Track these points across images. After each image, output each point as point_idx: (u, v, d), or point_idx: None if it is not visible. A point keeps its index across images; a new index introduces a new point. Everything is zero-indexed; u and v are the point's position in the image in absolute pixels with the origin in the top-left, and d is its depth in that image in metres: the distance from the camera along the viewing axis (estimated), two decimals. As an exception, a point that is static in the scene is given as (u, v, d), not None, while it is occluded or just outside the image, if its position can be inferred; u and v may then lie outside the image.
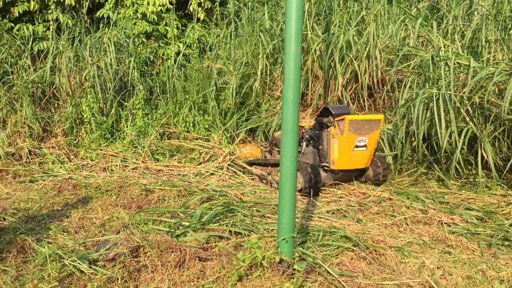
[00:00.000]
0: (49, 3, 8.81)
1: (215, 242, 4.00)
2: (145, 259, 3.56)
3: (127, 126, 7.50)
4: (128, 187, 5.79)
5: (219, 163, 6.57)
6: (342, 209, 4.97)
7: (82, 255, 3.59)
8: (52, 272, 3.37)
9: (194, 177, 6.23)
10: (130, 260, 3.52)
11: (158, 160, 6.81)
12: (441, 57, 5.88)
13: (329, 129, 5.66)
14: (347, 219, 4.71)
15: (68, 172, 6.59)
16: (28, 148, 6.96)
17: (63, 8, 8.95)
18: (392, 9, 8.24)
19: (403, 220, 4.70)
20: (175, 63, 9.02)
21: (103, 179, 6.23)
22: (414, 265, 3.57)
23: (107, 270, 3.42)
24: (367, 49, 6.96)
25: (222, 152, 6.62)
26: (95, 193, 5.67)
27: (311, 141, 6.01)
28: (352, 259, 3.63)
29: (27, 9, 8.70)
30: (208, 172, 6.37)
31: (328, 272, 3.22)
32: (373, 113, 7.20)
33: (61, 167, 6.77)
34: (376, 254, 3.75)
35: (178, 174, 6.34)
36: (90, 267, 3.44)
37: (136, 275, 3.39)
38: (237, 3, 10.30)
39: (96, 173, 6.59)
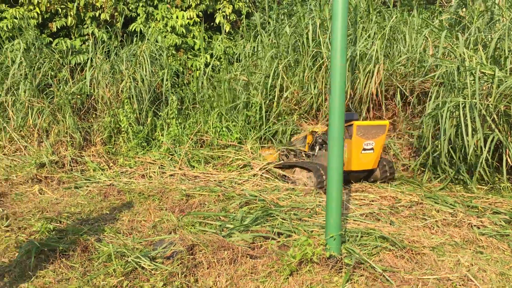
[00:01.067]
0: (85, 19, 9.26)
1: (260, 242, 4.31)
2: (200, 256, 3.88)
3: (162, 135, 7.86)
4: (169, 193, 6.13)
5: (251, 168, 6.89)
6: (374, 212, 5.24)
7: (144, 252, 3.91)
8: (118, 268, 3.70)
9: (229, 183, 6.55)
10: (187, 257, 3.85)
11: (194, 167, 7.14)
12: (467, 67, 6.14)
13: None
14: (380, 221, 4.98)
15: (109, 179, 6.94)
16: (70, 156, 7.35)
17: (98, 23, 9.39)
18: (414, 21, 8.53)
19: (434, 223, 4.96)
20: (204, 74, 9.40)
21: (144, 185, 6.57)
22: (450, 263, 3.83)
23: (166, 266, 3.74)
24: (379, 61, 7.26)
25: (257, 163, 6.93)
26: (138, 198, 6.01)
27: (324, 145, 6.63)
28: (391, 257, 3.90)
29: (64, 24, 9.16)
30: (242, 178, 6.68)
31: (372, 267, 3.50)
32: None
33: (102, 174, 7.13)
34: (413, 253, 4.02)
35: (214, 180, 6.67)
36: (151, 264, 3.77)
37: (194, 271, 3.71)
38: (262, 15, 10.68)
39: (136, 179, 6.94)
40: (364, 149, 6.06)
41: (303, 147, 7.03)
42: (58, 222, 5.06)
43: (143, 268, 3.77)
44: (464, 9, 8.55)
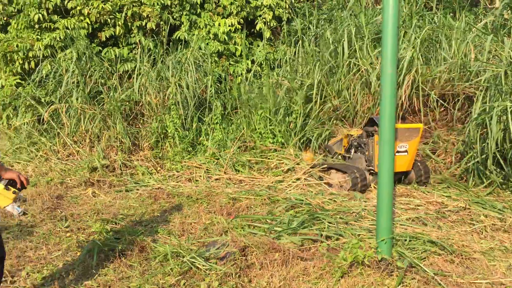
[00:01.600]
0: (132, 28, 9.61)
1: (309, 245, 4.41)
2: (253, 257, 4.02)
3: (207, 140, 8.07)
4: (216, 196, 6.31)
5: (295, 172, 7.00)
6: (421, 217, 5.26)
7: (199, 253, 4.09)
8: (175, 267, 3.88)
9: (274, 187, 6.67)
10: (240, 258, 4.00)
11: (238, 171, 7.31)
12: (515, 71, 6.08)
13: (373, 136, 6.33)
14: (427, 226, 4.99)
15: (157, 182, 7.20)
16: (120, 160, 7.65)
17: (145, 32, 9.73)
18: (457, 24, 8.45)
19: (483, 228, 4.94)
20: (246, 80, 9.59)
21: (191, 189, 6.78)
22: (501, 267, 3.83)
23: (220, 266, 3.90)
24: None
25: (300, 167, 7.04)
26: (187, 201, 6.22)
27: (359, 148, 6.80)
28: (441, 261, 3.93)
29: (113, 34, 9.53)
30: (286, 182, 6.80)
31: (423, 271, 3.55)
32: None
33: (150, 177, 7.40)
34: (463, 258, 4.04)
35: (259, 184, 6.81)
36: (206, 264, 3.94)
37: (247, 271, 3.85)
38: (302, 21, 10.80)
39: (183, 183, 7.17)
40: (398, 152, 6.13)
41: (340, 150, 7.25)
42: (113, 223, 5.32)
43: (197, 268, 3.94)
44: (509, 12, 8.41)
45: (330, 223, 4.99)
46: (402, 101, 7.57)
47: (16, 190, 3.08)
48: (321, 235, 4.52)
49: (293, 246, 4.33)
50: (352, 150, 6.93)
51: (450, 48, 7.77)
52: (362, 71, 7.92)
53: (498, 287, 3.44)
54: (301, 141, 7.90)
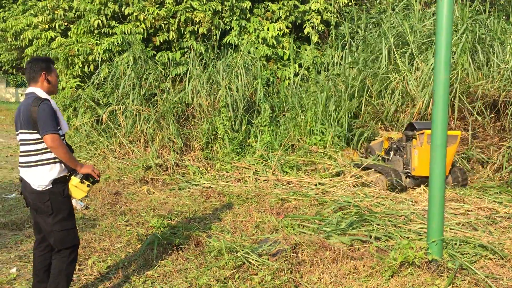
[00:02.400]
0: (185, 33, 9.97)
1: (358, 246, 4.51)
2: (303, 255, 4.17)
3: (256, 142, 8.28)
4: (264, 196, 6.50)
5: (344, 175, 7.10)
6: (471, 221, 5.25)
7: (253, 248, 4.28)
8: (230, 261, 4.09)
9: (322, 188, 6.79)
10: (291, 255, 4.16)
11: (286, 172, 7.48)
12: None
13: (412, 141, 6.65)
14: (478, 231, 4.98)
15: (208, 182, 7.47)
16: (173, 160, 7.98)
17: (196, 36, 10.07)
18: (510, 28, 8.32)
19: (535, 235, 4.88)
20: (293, 83, 9.76)
21: (240, 189, 7.00)
22: (555, 274, 3.81)
23: (272, 262, 4.08)
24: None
25: (348, 170, 7.14)
26: (237, 200, 6.44)
27: (398, 151, 7.05)
28: (492, 265, 3.95)
29: (166, 39, 9.93)
30: (334, 185, 6.90)
31: (473, 273, 3.60)
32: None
33: (201, 177, 7.68)
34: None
35: (307, 186, 6.94)
36: (259, 259, 4.12)
37: (298, 268, 4.01)
38: (350, 25, 10.85)
39: (232, 183, 7.40)
40: None
41: (380, 152, 7.48)
42: (169, 219, 5.60)
43: (250, 263, 4.13)
44: None
45: (378, 225, 5.06)
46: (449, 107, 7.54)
47: (90, 184, 3.36)
48: (370, 236, 4.61)
49: (342, 245, 4.44)
50: (392, 153, 7.15)
51: (503, 53, 7.66)
52: (400, 78, 8.00)
53: (551, 292, 3.44)
54: (347, 139, 8.09)
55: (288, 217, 5.39)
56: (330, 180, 7.07)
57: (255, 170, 7.64)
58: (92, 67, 9.67)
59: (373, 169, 6.98)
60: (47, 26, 11.06)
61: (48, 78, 3.30)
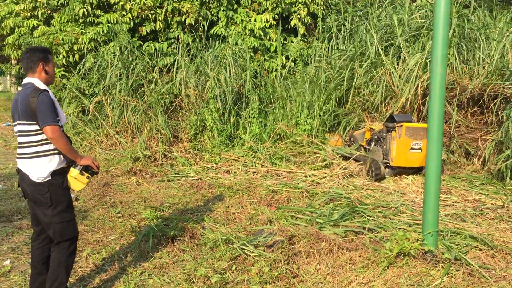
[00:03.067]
0: (172, 23, 9.87)
1: (351, 237, 4.58)
2: (299, 246, 4.22)
3: (244, 133, 8.29)
4: (255, 188, 6.52)
5: (332, 169, 7.16)
6: (459, 213, 5.36)
7: (249, 240, 4.30)
8: (227, 253, 4.11)
9: (311, 180, 6.85)
10: (287, 246, 4.20)
11: (276, 164, 7.51)
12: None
13: (391, 132, 6.89)
14: (466, 222, 5.10)
15: (197, 173, 7.45)
16: (161, 151, 7.94)
17: (183, 27, 9.98)
18: (498, 23, 8.46)
19: (522, 226, 5.02)
20: (280, 75, 9.78)
21: (230, 180, 7.01)
22: (543, 263, 3.94)
23: (269, 253, 4.11)
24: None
25: (337, 162, 7.22)
26: (228, 192, 6.45)
27: (378, 141, 7.27)
28: (483, 256, 4.06)
29: (153, 29, 9.81)
30: (323, 176, 6.97)
31: (467, 264, 3.69)
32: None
33: (190, 168, 7.66)
34: (504, 253, 4.15)
35: (297, 177, 6.99)
36: (255, 251, 4.15)
37: (294, 259, 4.05)
38: (337, 17, 10.89)
39: (221, 175, 7.41)
40: (412, 148, 6.67)
41: (362, 141, 7.68)
42: (161, 211, 5.58)
43: (246, 254, 4.15)
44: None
45: (370, 216, 5.14)
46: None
47: (90, 176, 3.33)
48: (364, 227, 4.68)
49: (337, 237, 4.50)
50: (373, 143, 7.36)
51: (488, 48, 7.79)
52: (383, 72, 8.08)
53: (541, 281, 3.56)
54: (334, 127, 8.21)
55: (280, 209, 5.43)
56: (319, 170, 7.13)
57: (244, 162, 7.65)
58: (77, 56, 9.51)
59: (354, 159, 7.28)
60: (29, 14, 10.80)
61: (46, 69, 3.25)
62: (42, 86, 3.18)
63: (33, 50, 3.23)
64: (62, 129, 3.24)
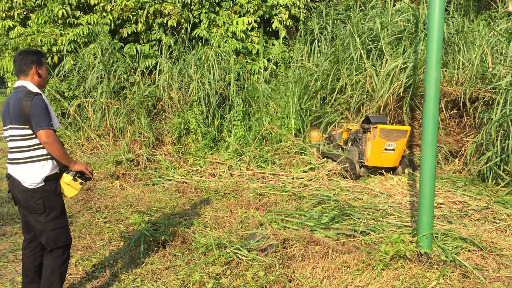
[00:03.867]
0: (153, 25, 9.76)
1: (343, 240, 4.59)
2: (293, 250, 4.21)
3: (229, 136, 8.24)
4: (242, 191, 6.49)
5: (319, 172, 7.18)
6: (445, 215, 5.44)
7: (243, 244, 4.27)
8: (221, 258, 4.06)
9: (298, 183, 6.85)
10: (281, 250, 4.18)
11: (261, 167, 7.49)
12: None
13: (367, 133, 7.11)
14: (453, 224, 5.17)
15: (181, 177, 7.37)
16: (145, 155, 7.82)
17: (165, 29, 9.88)
18: (476, 28, 8.64)
19: (506, 226, 5.12)
20: (263, 77, 9.77)
21: (216, 184, 6.96)
22: (532, 263, 4.02)
23: (262, 258, 4.08)
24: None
25: (323, 166, 7.25)
26: (215, 195, 6.40)
27: (355, 142, 7.46)
28: (474, 257, 4.12)
29: (134, 30, 9.67)
30: (311, 179, 6.98)
31: (460, 265, 3.74)
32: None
33: (174, 172, 7.57)
34: (493, 254, 4.22)
35: (283, 180, 6.98)
36: (249, 255, 4.12)
37: (289, 263, 4.04)
38: (319, 21, 10.95)
39: (207, 178, 7.34)
40: (386, 149, 6.91)
41: (339, 141, 7.87)
42: (149, 215, 5.49)
43: (239, 258, 4.12)
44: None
45: (359, 219, 5.17)
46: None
47: (83, 181, 3.24)
48: (355, 230, 4.70)
49: (330, 240, 4.51)
50: (349, 143, 7.52)
51: (467, 52, 7.95)
52: (363, 75, 8.17)
53: (533, 281, 3.63)
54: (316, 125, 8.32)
55: (271, 212, 5.41)
56: (305, 173, 7.14)
57: (230, 165, 7.61)
58: (56, 58, 9.30)
59: (330, 158, 7.47)
60: (4, 15, 10.52)
61: (39, 72, 3.16)
62: (35, 89, 3.09)
63: (26, 52, 3.14)
64: (55, 133, 3.15)
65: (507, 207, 5.71)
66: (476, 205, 5.78)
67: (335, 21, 10.85)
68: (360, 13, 10.07)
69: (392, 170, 7.24)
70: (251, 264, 4.03)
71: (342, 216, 5.23)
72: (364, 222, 5.04)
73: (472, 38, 8.48)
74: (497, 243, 4.51)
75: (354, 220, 5.13)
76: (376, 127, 6.89)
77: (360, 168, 7.20)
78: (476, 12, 11.07)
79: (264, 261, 4.01)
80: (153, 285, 3.80)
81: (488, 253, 4.22)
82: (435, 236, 4.48)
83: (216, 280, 3.79)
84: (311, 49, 10.18)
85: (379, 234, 4.65)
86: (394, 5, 10.97)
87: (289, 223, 5.12)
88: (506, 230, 5.04)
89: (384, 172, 7.18)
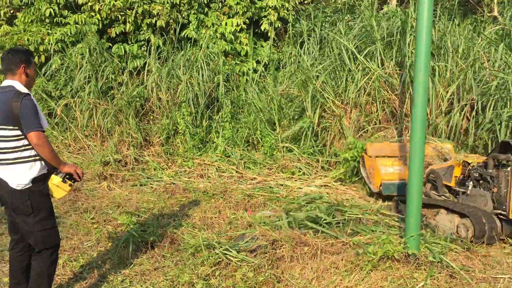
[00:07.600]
0: (142, 25, 9.71)
1: (331, 241, 4.61)
2: (282, 251, 4.22)
3: (217, 137, 8.23)
4: (231, 192, 6.49)
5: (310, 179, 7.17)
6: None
7: (231, 245, 4.27)
8: (210, 258, 4.06)
9: (285, 185, 6.86)
10: (270, 251, 4.19)
11: (249, 168, 7.49)
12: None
13: (509, 168, 4.73)
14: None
15: (170, 178, 7.34)
16: (133, 155, 7.78)
17: (154, 29, 9.84)
18: (463, 32, 8.75)
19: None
20: (253, 80, 9.78)
21: (204, 185, 6.94)
22: (517, 264, 4.09)
23: (252, 258, 4.09)
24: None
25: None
26: (203, 196, 6.39)
27: (482, 182, 5.10)
28: (460, 258, 4.17)
29: (123, 31, 9.62)
30: (298, 180, 7.01)
31: (447, 266, 3.79)
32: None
33: (162, 173, 7.54)
34: (479, 255, 4.28)
35: (271, 182, 6.99)
36: (238, 256, 4.12)
37: (278, 263, 4.05)
38: (307, 23, 10.99)
39: (195, 179, 7.33)
40: None
41: (448, 181, 5.55)
42: (137, 216, 5.47)
43: (229, 259, 4.12)
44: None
45: (346, 220, 5.19)
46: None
47: (72, 183, 3.22)
48: (344, 231, 4.73)
49: (319, 241, 4.52)
50: (470, 184, 5.20)
51: (456, 56, 8.05)
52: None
53: (518, 281, 3.69)
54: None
55: (259, 213, 5.43)
56: (295, 177, 7.16)
57: (218, 166, 7.60)
58: (43, 57, 9.21)
59: (447, 209, 4.99)
60: (-10, 13, 10.41)
61: (28, 71, 3.14)
62: (23, 89, 3.07)
63: (15, 51, 3.12)
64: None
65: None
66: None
67: (324, 24, 10.91)
68: (347, 16, 10.15)
69: None
70: (240, 265, 4.03)
71: (332, 214, 5.21)
72: (353, 224, 5.05)
73: (459, 42, 8.58)
74: (482, 245, 4.57)
75: (345, 216, 5.12)
76: None
77: (500, 224, 4.70)
78: (462, 16, 11.20)
79: (253, 262, 4.02)
80: (141, 286, 3.78)
81: (473, 254, 4.27)
82: (423, 238, 4.53)
83: (205, 280, 3.79)
84: (300, 52, 10.20)
85: (366, 236, 4.68)
86: (381, 9, 11.09)
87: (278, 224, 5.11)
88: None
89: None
